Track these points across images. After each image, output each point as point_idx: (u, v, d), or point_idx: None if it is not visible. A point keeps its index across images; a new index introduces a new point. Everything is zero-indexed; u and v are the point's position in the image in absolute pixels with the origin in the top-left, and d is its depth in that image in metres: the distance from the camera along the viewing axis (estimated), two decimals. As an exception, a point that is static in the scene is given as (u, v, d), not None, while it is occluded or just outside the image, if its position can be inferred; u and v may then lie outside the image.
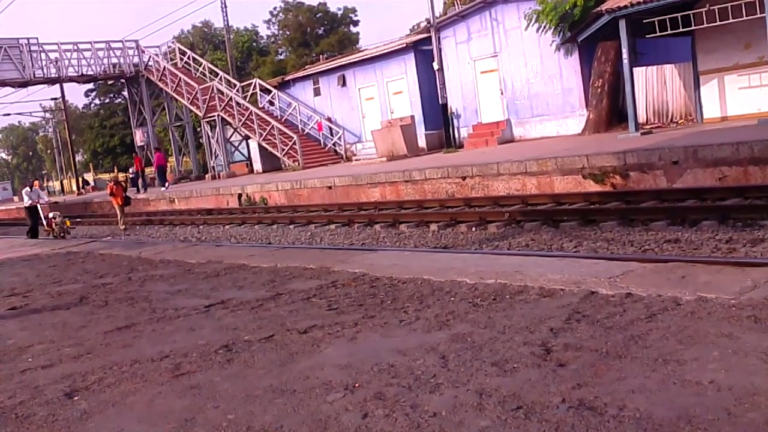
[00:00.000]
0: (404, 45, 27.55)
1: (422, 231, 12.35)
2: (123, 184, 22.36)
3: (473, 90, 25.03)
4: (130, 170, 33.97)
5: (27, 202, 18.58)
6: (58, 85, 38.00)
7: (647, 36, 16.87)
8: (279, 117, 31.65)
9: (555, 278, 5.14)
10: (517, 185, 14.72)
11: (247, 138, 32.90)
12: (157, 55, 36.75)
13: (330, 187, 19.33)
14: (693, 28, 16.24)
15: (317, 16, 56.60)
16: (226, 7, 39.12)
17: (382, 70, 28.48)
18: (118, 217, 20.84)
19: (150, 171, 37.18)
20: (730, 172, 11.64)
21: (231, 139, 34.41)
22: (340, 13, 57.55)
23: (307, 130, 31.18)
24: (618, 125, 19.94)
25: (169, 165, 49.88)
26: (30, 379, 4.31)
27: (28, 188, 18.98)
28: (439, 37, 24.66)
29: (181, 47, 38.71)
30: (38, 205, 18.40)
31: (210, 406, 3.45)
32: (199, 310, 5.73)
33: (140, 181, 32.54)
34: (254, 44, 58.51)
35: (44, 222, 18.12)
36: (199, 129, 38.45)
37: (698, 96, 18.41)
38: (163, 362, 4.31)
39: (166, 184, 30.94)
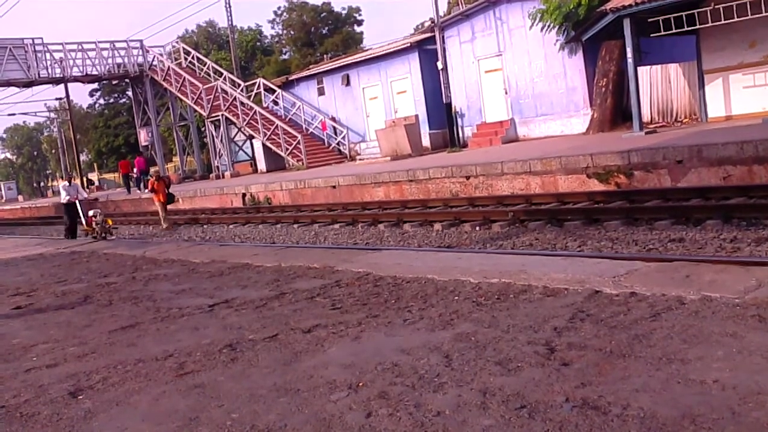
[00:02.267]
0: (408, 44, 27.55)
1: (426, 230, 12.35)
2: (166, 179, 19.64)
3: (477, 89, 25.02)
4: (134, 170, 33.79)
5: (65, 198, 16.68)
6: (62, 85, 38.02)
7: (652, 35, 16.84)
8: (283, 116, 31.66)
9: (559, 277, 5.14)
10: (521, 185, 14.71)
11: (251, 138, 32.93)
12: (161, 54, 36.78)
13: (334, 187, 19.33)
14: (698, 27, 16.20)
15: (321, 15, 56.60)
16: (230, 6, 39.15)
17: (386, 69, 28.48)
18: (161, 217, 19.04)
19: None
20: (735, 172, 11.61)
21: (235, 139, 34.45)
22: (344, 12, 57.54)
23: (311, 130, 31.19)
24: (622, 124, 19.90)
25: (172, 164, 50.11)
26: (34, 378, 4.32)
27: (66, 183, 17.07)
28: (443, 37, 24.64)
29: (186, 47, 38.74)
30: (77, 202, 16.58)
31: (214, 405, 3.45)
32: (203, 309, 5.74)
33: (133, 181, 33.10)
34: (258, 44, 58.51)
35: (83, 221, 16.39)
36: (203, 129, 38.47)
37: (703, 95, 18.37)
38: (167, 361, 4.32)
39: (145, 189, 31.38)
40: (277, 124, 29.35)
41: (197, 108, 34.12)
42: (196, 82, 33.46)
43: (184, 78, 33.92)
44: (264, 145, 30.74)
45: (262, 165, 32.07)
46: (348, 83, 30.22)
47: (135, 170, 32.24)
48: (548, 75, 22.50)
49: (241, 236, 15.57)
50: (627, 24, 16.67)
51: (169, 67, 35.15)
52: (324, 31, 56.46)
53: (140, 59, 36.60)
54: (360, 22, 58.77)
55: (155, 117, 37.50)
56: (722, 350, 3.30)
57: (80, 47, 35.11)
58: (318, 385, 3.54)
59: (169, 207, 19.40)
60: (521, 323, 4.14)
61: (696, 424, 2.58)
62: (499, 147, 22.27)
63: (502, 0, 23.28)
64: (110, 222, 16.40)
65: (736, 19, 15.29)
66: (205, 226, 18.73)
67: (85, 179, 45.17)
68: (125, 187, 33.56)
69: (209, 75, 35.72)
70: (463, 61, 25.12)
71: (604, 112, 20.64)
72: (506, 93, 23.99)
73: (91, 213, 16.01)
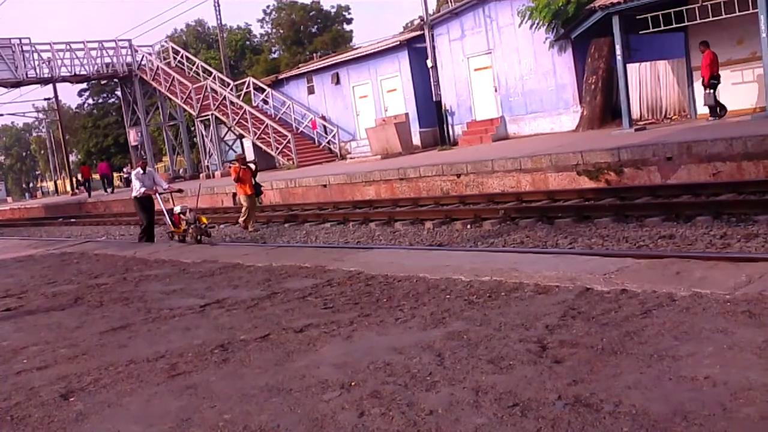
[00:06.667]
0: (398, 43, 27.55)
1: (417, 229, 12.35)
2: (252, 166, 15.39)
3: (467, 87, 25.05)
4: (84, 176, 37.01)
5: (139, 190, 13.12)
6: (50, 86, 37.86)
7: (641, 32, 16.91)
8: (273, 116, 31.61)
9: (550, 275, 5.15)
10: (512, 182, 14.74)
11: (241, 137, 32.84)
12: (150, 54, 36.65)
13: (325, 186, 19.32)
14: (686, 24, 16.27)
15: (311, 14, 56.56)
16: (219, 5, 38.93)
17: (376, 68, 28.47)
18: (243, 212, 15.15)
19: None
20: (724, 168, 11.67)
21: (225, 138, 34.36)
22: (333, 11, 57.52)
23: (301, 129, 31.16)
24: (612, 121, 19.97)
25: (162, 164, 50.06)
26: (25, 380, 4.29)
27: (139, 170, 13.37)
28: (432, 35, 24.65)
29: (175, 46, 38.61)
30: (157, 196, 13.46)
31: (206, 406, 3.44)
32: (195, 309, 5.72)
33: (88, 185, 36.48)
34: (248, 43, 58.40)
35: (167, 220, 13.33)
36: (193, 128, 38.36)
37: (692, 92, 18.44)
38: (158, 362, 4.30)
39: (109, 190, 36.63)
40: (267, 123, 29.29)
41: (187, 107, 34.02)
42: (186, 82, 33.35)
43: (174, 77, 33.80)
44: (254, 145, 30.68)
45: (252, 164, 31.95)
46: (338, 82, 30.19)
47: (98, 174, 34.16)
48: (538, 72, 22.55)
49: (231, 236, 15.52)
50: (616, 21, 16.72)
51: (158, 66, 35.02)
52: (313, 30, 56.41)
53: (129, 59, 36.46)
54: (349, 21, 58.81)
55: (144, 117, 37.39)
56: (713, 346, 3.32)
57: (68, 47, 34.94)
58: (310, 384, 3.53)
59: (246, 200, 15.09)
60: (513, 321, 4.15)
61: (687, 420, 2.59)
62: (489, 145, 22.31)
63: (492, -2, 23.33)
64: (204, 220, 13.29)
65: (723, 17, 15.36)
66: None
67: (74, 179, 45.07)
68: (85, 190, 36.81)
69: (198, 74, 35.63)
70: (452, 59, 25.15)
71: (593, 109, 20.71)
72: (496, 91, 24.03)
73: (177, 210, 13.15)
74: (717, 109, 16.41)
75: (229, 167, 19.53)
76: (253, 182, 15.01)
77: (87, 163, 47.25)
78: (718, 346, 3.31)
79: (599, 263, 5.38)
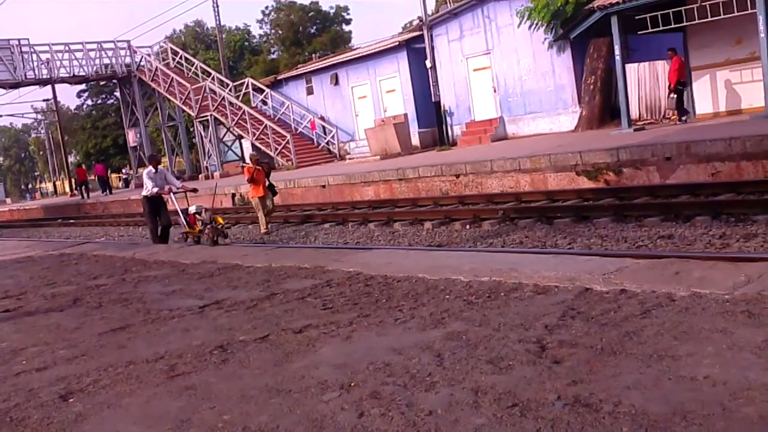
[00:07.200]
0: (397, 43, 27.55)
1: (416, 229, 12.35)
2: (264, 166, 14.92)
3: (466, 87, 25.05)
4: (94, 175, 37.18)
5: (151, 189, 12.37)
6: (49, 86, 37.85)
7: (639, 32, 16.92)
8: (272, 116, 31.60)
9: (549, 275, 5.15)
10: (511, 182, 14.75)
11: (240, 137, 32.84)
12: (149, 55, 36.65)
13: (324, 186, 19.31)
14: (685, 24, 16.28)
15: (309, 15, 56.53)
16: (218, 6, 38.92)
17: (375, 68, 28.47)
18: (260, 216, 14.60)
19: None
20: (723, 168, 11.67)
21: (224, 139, 34.35)
22: (332, 11, 57.50)
23: (300, 129, 31.15)
24: (611, 122, 19.98)
25: (161, 165, 50.12)
26: (24, 381, 4.29)
27: (150, 169, 12.64)
28: (431, 35, 24.66)
29: (173, 47, 38.59)
30: (171, 196, 12.61)
31: (205, 406, 3.44)
32: (194, 310, 5.71)
33: (84, 187, 37.17)
34: (246, 44, 58.39)
35: (182, 221, 12.60)
36: (191, 129, 38.34)
37: (690, 92, 18.45)
38: (158, 363, 4.29)
39: (107, 192, 37.61)
40: (266, 124, 29.28)
41: (185, 108, 34.00)
42: (185, 83, 33.34)
43: (172, 78, 33.79)
44: (253, 145, 30.68)
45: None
46: (337, 82, 30.19)
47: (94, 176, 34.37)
48: (537, 73, 22.56)
49: (230, 237, 15.51)
50: (614, 21, 16.73)
51: (156, 67, 35.01)
52: (312, 31, 56.40)
53: (128, 60, 36.46)
54: (348, 21, 58.80)
55: (143, 117, 37.38)
56: (712, 346, 3.32)
57: (67, 48, 34.92)
58: (310, 385, 3.53)
59: (258, 203, 14.57)
60: (512, 321, 4.14)
61: (687, 420, 2.59)
62: (488, 145, 22.31)
63: (490, -2, 23.34)
64: (220, 220, 12.53)
65: (722, 17, 15.37)
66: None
67: (72, 180, 45.05)
68: (79, 194, 37.45)
69: (197, 75, 35.60)
70: (451, 60, 25.15)
71: (592, 109, 20.72)
72: (495, 91, 24.03)
73: (192, 210, 12.40)
74: (681, 112, 17.34)
75: (242, 167, 18.86)
76: (267, 183, 14.56)
77: (85, 164, 47.19)
78: (717, 346, 3.31)
79: (598, 263, 5.38)
